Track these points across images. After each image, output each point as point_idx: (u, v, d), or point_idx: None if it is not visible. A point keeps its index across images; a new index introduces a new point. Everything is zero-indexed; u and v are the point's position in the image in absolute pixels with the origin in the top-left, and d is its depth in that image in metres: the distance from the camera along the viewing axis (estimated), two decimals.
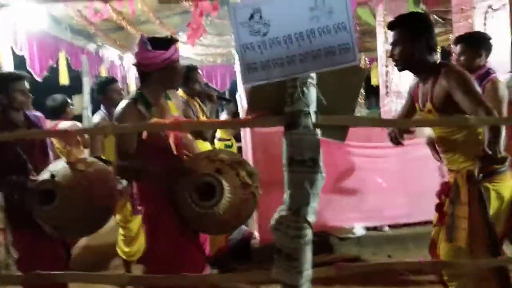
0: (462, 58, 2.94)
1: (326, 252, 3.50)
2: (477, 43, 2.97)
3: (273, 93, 1.30)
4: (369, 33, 6.53)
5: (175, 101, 2.22)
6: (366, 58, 8.18)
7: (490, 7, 3.74)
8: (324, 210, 3.50)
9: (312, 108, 1.25)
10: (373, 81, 7.65)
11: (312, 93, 1.25)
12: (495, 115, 1.96)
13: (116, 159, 2.07)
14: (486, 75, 2.90)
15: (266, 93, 1.32)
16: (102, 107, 3.38)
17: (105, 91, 3.33)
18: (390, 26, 2.21)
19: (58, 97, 3.92)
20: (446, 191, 2.23)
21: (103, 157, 2.98)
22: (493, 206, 2.11)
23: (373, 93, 8.53)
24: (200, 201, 1.86)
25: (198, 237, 2.14)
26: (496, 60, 3.78)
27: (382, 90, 5.41)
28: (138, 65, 2.06)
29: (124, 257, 3.30)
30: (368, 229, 3.79)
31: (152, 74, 2.02)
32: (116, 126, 1.88)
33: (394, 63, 2.23)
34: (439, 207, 2.27)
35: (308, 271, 1.28)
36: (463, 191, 2.09)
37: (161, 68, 2.00)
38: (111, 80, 3.54)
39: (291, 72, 1.21)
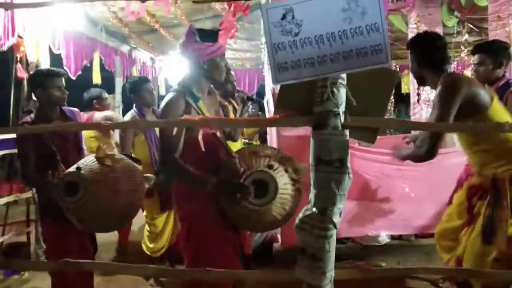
0: (481, 68, 2.87)
1: (351, 259, 3.47)
2: (497, 53, 2.87)
3: (302, 93, 1.30)
4: (401, 40, 6.45)
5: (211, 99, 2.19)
6: (397, 66, 8.07)
7: None
8: (350, 217, 3.46)
9: (342, 108, 1.25)
10: (404, 89, 7.54)
11: (342, 94, 1.24)
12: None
13: (160, 156, 2.06)
14: (506, 86, 2.86)
15: (295, 93, 1.32)
16: (134, 106, 3.44)
17: (138, 90, 3.38)
18: (407, 47, 2.49)
19: (94, 90, 4.09)
20: (479, 194, 2.24)
21: (133, 156, 3.06)
22: None
23: (402, 101, 8.39)
24: (253, 199, 1.80)
25: (238, 236, 2.09)
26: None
27: (412, 98, 5.32)
28: (184, 56, 2.03)
29: (148, 253, 3.36)
30: (393, 237, 3.73)
31: (198, 66, 1.99)
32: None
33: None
34: (469, 209, 2.32)
35: (331, 272, 1.27)
36: (505, 194, 2.17)
37: (207, 61, 1.98)
38: (144, 80, 3.60)
39: (322, 72, 1.21)
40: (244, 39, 6.64)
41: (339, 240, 3.55)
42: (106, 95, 4.16)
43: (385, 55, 1.17)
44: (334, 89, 1.23)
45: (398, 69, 8.11)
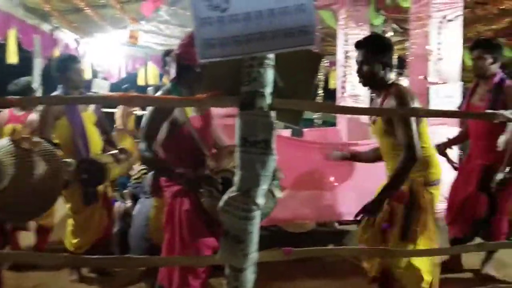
0: (479, 62, 3.00)
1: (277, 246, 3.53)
2: (494, 49, 3.01)
3: (229, 73, 1.27)
4: (331, 36, 6.64)
5: None
6: (326, 61, 8.33)
7: (445, 17, 3.92)
8: (278, 205, 3.51)
9: (268, 89, 1.23)
10: (331, 84, 7.81)
11: (269, 74, 1.23)
12: (410, 156, 2.17)
13: (141, 145, 2.04)
14: (502, 81, 3.00)
15: (222, 72, 1.29)
16: (59, 88, 3.04)
17: (67, 69, 3.01)
18: (357, 45, 2.44)
19: (21, 81, 3.70)
20: (399, 197, 2.38)
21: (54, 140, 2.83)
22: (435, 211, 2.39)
23: (330, 96, 8.71)
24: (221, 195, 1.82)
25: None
26: (447, 69, 3.98)
27: (339, 93, 5.53)
28: (179, 57, 2.05)
29: (72, 249, 3.08)
30: (318, 224, 3.87)
31: (191, 69, 1.99)
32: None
33: (359, 79, 2.45)
34: (391, 210, 2.44)
35: (254, 254, 1.27)
36: (419, 196, 2.32)
37: (201, 65, 1.98)
38: (74, 59, 3.23)
39: (249, 50, 1.19)
40: (177, 25, 6.47)
41: (266, 228, 3.62)
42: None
43: (311, 37, 1.17)
44: (261, 69, 1.22)
45: (329, 65, 8.38)
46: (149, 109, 2.06)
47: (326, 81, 8.76)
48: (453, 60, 3.92)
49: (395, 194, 2.38)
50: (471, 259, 3.32)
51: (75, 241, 3.07)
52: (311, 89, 1.37)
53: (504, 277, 3.25)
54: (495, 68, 3.02)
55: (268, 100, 1.24)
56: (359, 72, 2.41)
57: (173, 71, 2.02)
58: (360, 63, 2.39)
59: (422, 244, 2.30)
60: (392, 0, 4.90)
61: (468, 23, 5.98)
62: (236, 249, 1.25)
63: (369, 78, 2.38)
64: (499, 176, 2.93)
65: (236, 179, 1.25)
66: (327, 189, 3.77)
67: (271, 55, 1.23)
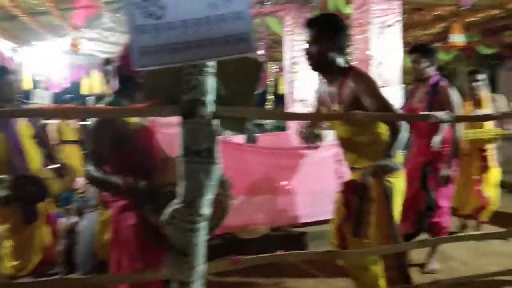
0: (416, 66, 3.16)
1: (234, 253, 3.49)
2: (430, 53, 3.18)
3: (170, 81, 1.24)
4: (278, 42, 6.74)
5: None
6: (275, 67, 8.45)
7: (384, 23, 4.08)
8: (231, 212, 3.49)
9: (210, 97, 1.22)
10: (280, 89, 7.93)
11: (210, 82, 1.21)
12: (398, 122, 2.14)
13: (88, 165, 1.92)
14: (438, 83, 3.17)
15: (162, 81, 1.26)
16: None
17: None
18: (308, 24, 2.25)
19: None
20: (353, 189, 2.36)
21: None
22: (396, 200, 2.31)
23: (279, 102, 8.84)
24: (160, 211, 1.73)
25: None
26: (388, 73, 4.14)
27: (287, 98, 5.61)
28: (120, 68, 1.94)
29: (10, 273, 2.84)
30: (272, 229, 3.88)
31: (133, 80, 1.89)
32: None
33: (308, 62, 2.27)
34: (347, 204, 2.39)
35: (201, 266, 1.24)
36: (372, 188, 2.23)
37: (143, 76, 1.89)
38: (4, 70, 3.06)
39: (187, 58, 1.16)
40: (122, 32, 6.29)
41: (219, 236, 3.58)
42: None
43: (250, 44, 1.16)
44: (201, 77, 1.20)
45: (278, 70, 8.49)
46: (91, 123, 1.96)
47: (276, 87, 8.89)
48: (394, 64, 4.09)
49: (351, 186, 2.34)
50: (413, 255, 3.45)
51: (14, 263, 2.87)
52: (253, 96, 1.37)
53: (449, 270, 3.42)
54: (431, 71, 3.19)
55: (210, 108, 1.22)
56: (308, 53, 2.22)
57: (114, 82, 1.95)
58: (309, 44, 2.20)
59: (375, 241, 2.24)
60: (334, 6, 5.05)
61: (406, 28, 6.28)
62: (182, 263, 1.22)
63: (318, 60, 2.20)
64: (443, 172, 3.10)
65: (180, 190, 1.22)
66: (281, 193, 3.81)
67: (211, 63, 1.22)
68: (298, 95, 5.35)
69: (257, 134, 5.26)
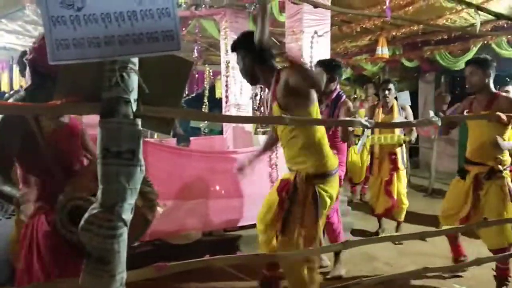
0: None
1: (164, 260, 3.38)
2: (332, 69, 3.35)
3: (89, 77, 1.16)
4: (214, 46, 6.72)
5: None
6: (211, 71, 8.41)
7: (315, 32, 4.23)
8: (161, 217, 3.38)
9: (133, 95, 1.15)
10: (217, 93, 7.91)
11: (134, 80, 1.15)
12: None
13: None
14: (338, 97, 3.40)
15: (81, 76, 1.17)
16: None
17: None
18: (232, 49, 2.47)
19: None
20: (287, 189, 2.41)
21: None
22: (324, 205, 2.37)
23: (217, 105, 8.80)
24: (70, 226, 1.55)
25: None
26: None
27: (224, 102, 5.60)
28: (33, 62, 1.75)
29: None
30: (204, 234, 3.83)
31: (49, 75, 1.67)
32: None
33: (247, 81, 2.49)
34: (280, 203, 2.45)
35: (122, 274, 1.17)
36: (300, 191, 2.32)
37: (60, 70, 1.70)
38: None
39: (109, 54, 1.10)
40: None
41: (149, 242, 3.45)
42: None
43: (177, 42, 1.13)
44: (124, 74, 1.13)
45: (211, 74, 8.45)
46: None
47: (213, 91, 8.83)
48: None
49: (284, 185, 2.41)
50: None
51: None
52: (180, 96, 1.32)
53: (373, 270, 3.58)
54: (333, 85, 3.42)
55: (134, 107, 1.16)
56: (241, 72, 2.46)
57: (28, 76, 1.79)
58: (239, 64, 2.43)
59: (301, 243, 2.30)
60: (269, 13, 5.13)
61: (336, 40, 6.59)
62: (102, 271, 1.14)
63: (250, 76, 2.42)
64: None
65: (99, 194, 1.14)
66: (214, 197, 3.76)
67: (135, 59, 1.16)
68: (232, 99, 5.36)
69: (191, 137, 5.18)
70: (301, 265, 2.32)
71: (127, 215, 1.16)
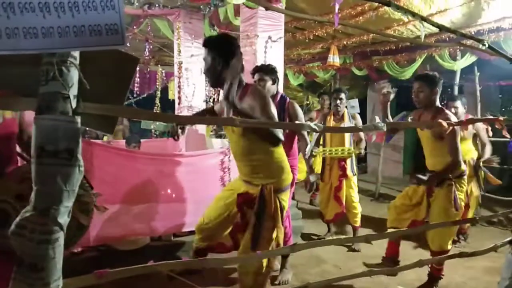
0: (261, 84, 3.35)
1: (108, 267, 3.24)
2: (272, 72, 3.41)
3: (24, 70, 1.08)
4: (168, 46, 6.58)
5: None
6: (164, 72, 8.24)
7: (270, 37, 4.25)
8: (106, 222, 3.25)
9: (73, 91, 1.09)
10: (170, 95, 7.75)
11: (73, 75, 1.08)
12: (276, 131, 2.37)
13: None
14: (283, 99, 3.49)
15: (15, 69, 1.09)
16: None
17: None
18: (204, 44, 2.45)
19: None
20: (249, 202, 2.42)
21: None
22: (283, 212, 2.50)
23: (170, 107, 8.63)
24: None
25: None
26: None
27: (176, 104, 5.50)
28: None
29: None
30: (152, 239, 3.72)
31: None
32: None
33: (206, 78, 2.56)
34: (242, 217, 2.51)
35: (58, 282, 1.09)
36: (269, 204, 2.38)
37: None
38: None
39: (47, 46, 1.02)
40: None
41: (95, 247, 3.30)
42: None
43: (121, 37, 1.07)
44: (63, 68, 1.07)
45: (164, 75, 8.29)
46: None
47: (166, 92, 8.65)
48: None
49: (247, 198, 2.44)
50: None
51: None
52: (125, 94, 1.26)
53: (321, 273, 3.64)
54: (274, 88, 3.49)
55: (73, 103, 1.09)
56: (206, 71, 2.46)
57: None
58: (206, 62, 2.42)
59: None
60: (224, 17, 5.12)
61: (290, 46, 6.68)
62: (34, 279, 1.06)
63: (215, 79, 2.42)
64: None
65: (32, 195, 1.06)
66: (163, 201, 3.65)
67: (76, 53, 1.09)
68: (185, 101, 5.27)
69: (141, 139, 5.03)
70: (259, 270, 2.37)
71: (64, 219, 1.08)
